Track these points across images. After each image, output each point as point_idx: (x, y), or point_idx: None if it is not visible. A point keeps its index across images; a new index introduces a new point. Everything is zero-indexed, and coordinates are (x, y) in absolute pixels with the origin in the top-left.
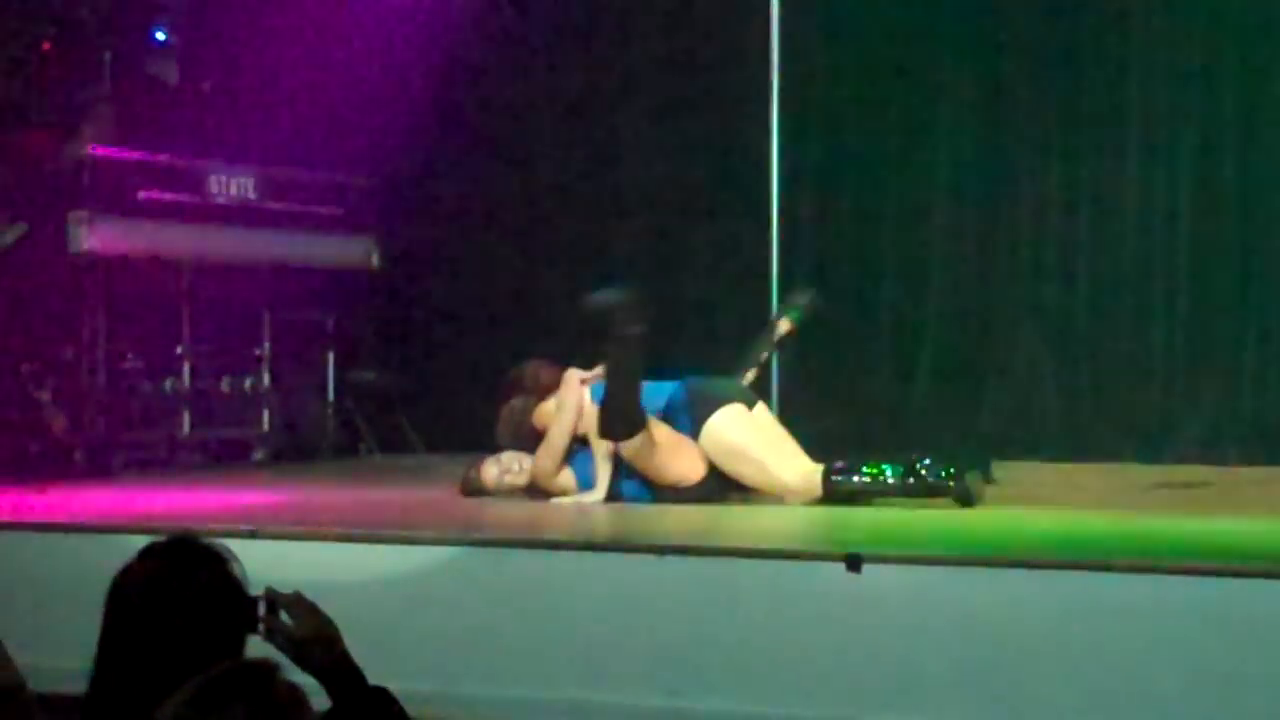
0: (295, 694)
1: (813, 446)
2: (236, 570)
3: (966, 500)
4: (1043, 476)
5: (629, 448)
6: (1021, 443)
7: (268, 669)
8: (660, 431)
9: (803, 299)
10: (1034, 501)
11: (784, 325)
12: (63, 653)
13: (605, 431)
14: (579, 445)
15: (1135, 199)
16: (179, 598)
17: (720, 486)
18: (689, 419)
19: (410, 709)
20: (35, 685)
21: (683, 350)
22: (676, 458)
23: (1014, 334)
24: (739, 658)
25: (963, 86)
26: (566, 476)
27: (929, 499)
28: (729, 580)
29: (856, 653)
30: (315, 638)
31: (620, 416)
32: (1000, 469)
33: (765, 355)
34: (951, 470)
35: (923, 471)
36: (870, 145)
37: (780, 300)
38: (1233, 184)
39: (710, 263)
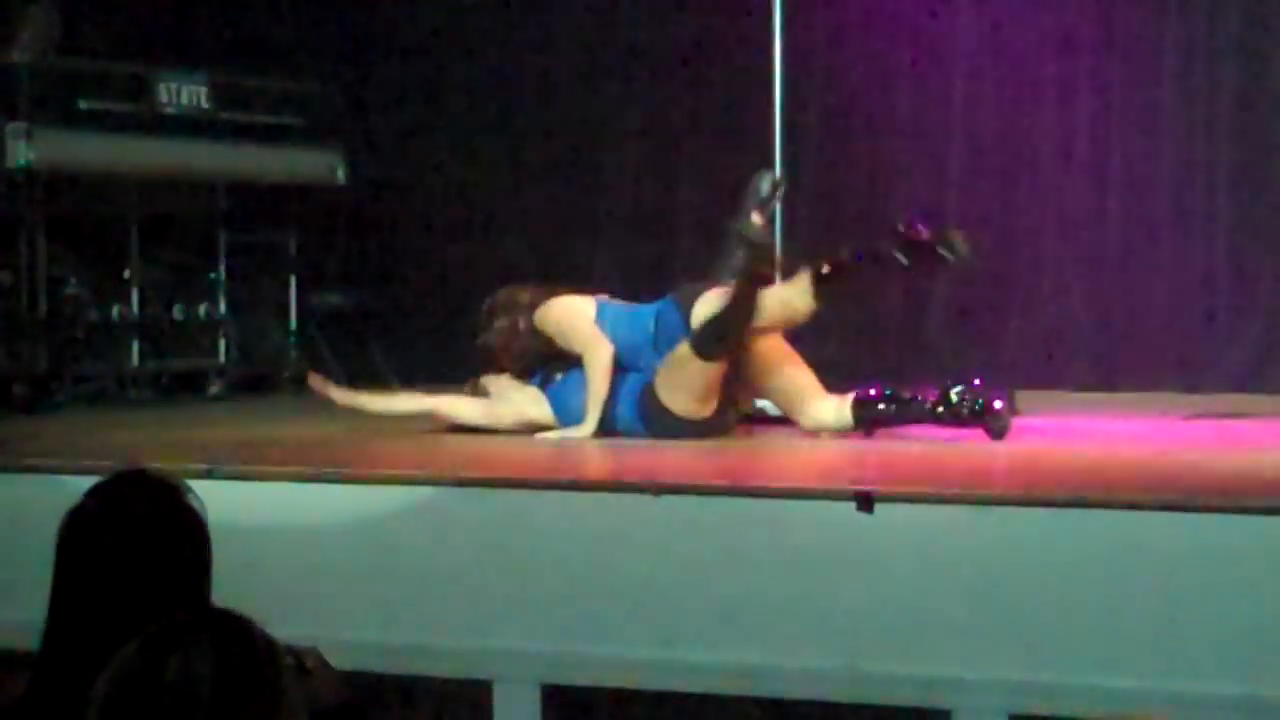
0: (271, 647)
1: (819, 377)
2: (193, 501)
3: (1000, 431)
4: (1071, 407)
5: (702, 369)
6: (1048, 371)
7: (239, 618)
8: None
9: (765, 186)
10: (1061, 435)
11: (755, 222)
12: (5, 604)
13: (699, 347)
14: (559, 374)
15: (1171, 113)
16: (134, 533)
17: (725, 422)
18: (680, 319)
19: (382, 662)
20: None
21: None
22: (706, 393)
23: (1039, 255)
24: (739, 605)
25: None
26: (542, 408)
27: (961, 427)
28: (729, 521)
29: (867, 599)
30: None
31: (721, 340)
32: (1025, 399)
33: (745, 261)
34: (982, 401)
35: (956, 399)
36: (882, 59)
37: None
38: (1277, 96)
39: (704, 185)
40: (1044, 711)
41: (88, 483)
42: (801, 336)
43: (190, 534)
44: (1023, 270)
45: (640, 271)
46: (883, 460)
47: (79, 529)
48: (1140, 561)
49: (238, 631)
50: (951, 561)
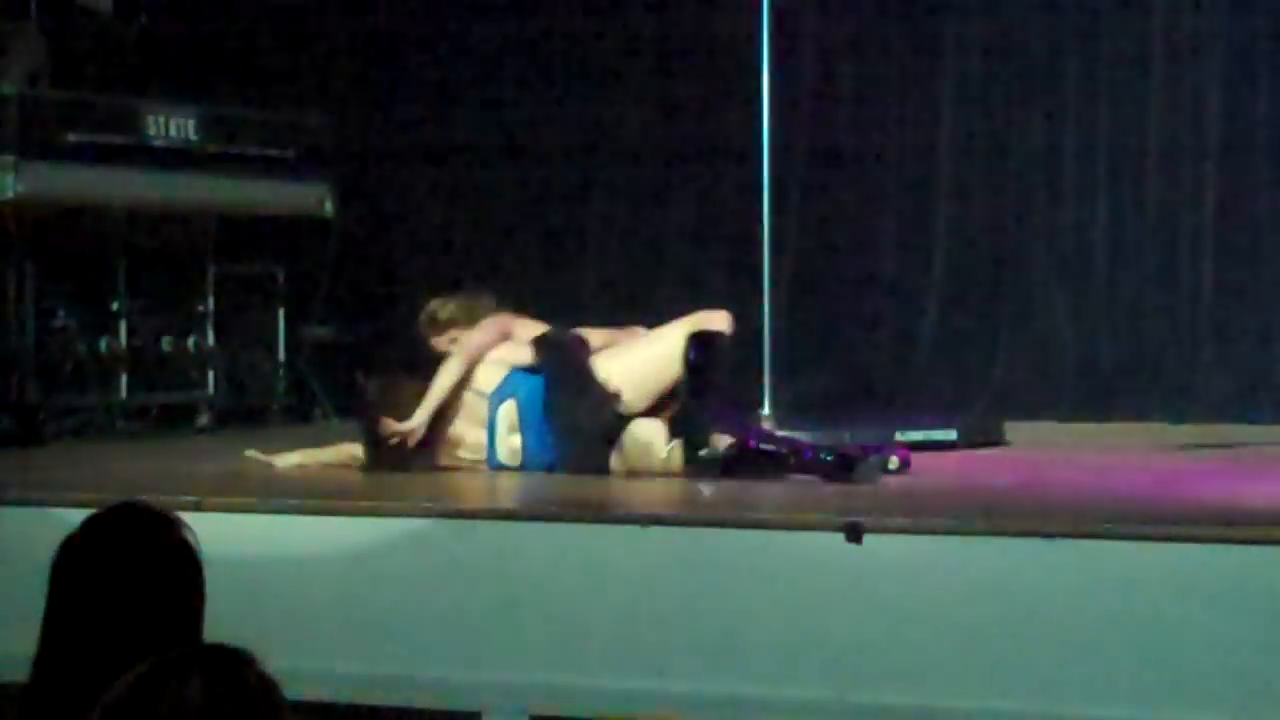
0: (266, 683)
1: (808, 407)
2: (188, 534)
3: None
4: (1060, 437)
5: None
6: (1037, 400)
7: (235, 652)
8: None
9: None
10: (1050, 465)
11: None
12: None
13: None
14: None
15: (1158, 139)
16: (129, 566)
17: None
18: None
19: (371, 694)
20: None
21: (667, 302)
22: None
23: (1028, 285)
24: (729, 636)
25: (969, 20)
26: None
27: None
28: (719, 553)
29: (857, 630)
30: None
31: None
32: (1014, 430)
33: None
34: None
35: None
36: (868, 82)
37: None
38: (1265, 120)
39: (695, 211)
40: None
41: (78, 515)
42: (792, 367)
43: (185, 567)
44: (1011, 300)
45: (625, 299)
46: (872, 492)
47: (73, 560)
48: (1132, 591)
49: (232, 668)
50: (942, 593)
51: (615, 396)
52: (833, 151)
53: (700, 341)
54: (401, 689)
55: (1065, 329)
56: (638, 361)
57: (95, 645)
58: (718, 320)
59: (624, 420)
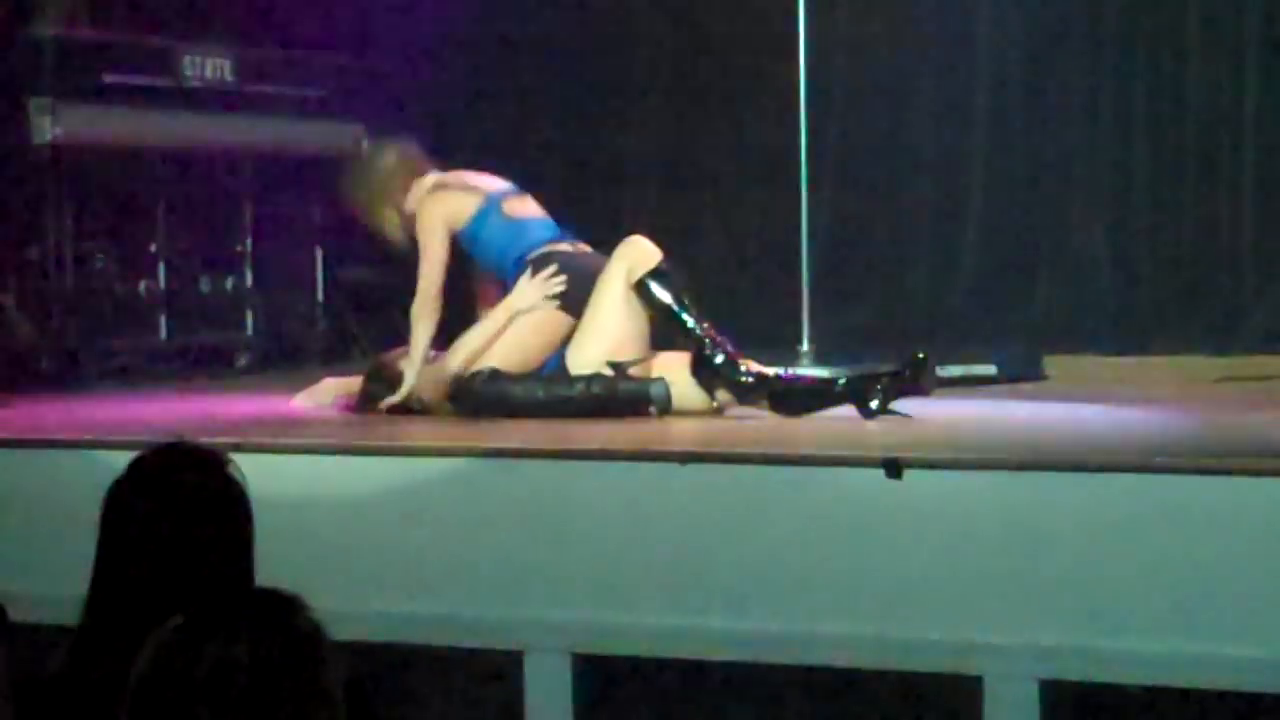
0: (315, 629)
1: (844, 343)
2: (236, 474)
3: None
4: (1100, 371)
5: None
6: (1076, 335)
7: (285, 597)
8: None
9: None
10: (1090, 399)
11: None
12: (38, 577)
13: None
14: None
15: (1197, 70)
16: (179, 504)
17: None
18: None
19: (412, 634)
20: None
21: (703, 248)
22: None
23: (1067, 217)
24: (768, 573)
25: None
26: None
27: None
28: (758, 489)
29: (896, 565)
30: None
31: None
32: (1054, 364)
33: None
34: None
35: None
36: (906, 20)
37: None
38: None
39: (733, 143)
40: (1075, 677)
41: (121, 456)
42: (830, 305)
43: (233, 504)
44: (1049, 233)
45: (663, 229)
46: (911, 426)
47: (123, 501)
48: (1171, 525)
49: (280, 615)
50: (981, 527)
51: (621, 367)
52: (871, 83)
53: (649, 284)
54: (443, 628)
55: (1105, 262)
56: (602, 330)
57: (147, 585)
58: (645, 255)
59: (626, 374)
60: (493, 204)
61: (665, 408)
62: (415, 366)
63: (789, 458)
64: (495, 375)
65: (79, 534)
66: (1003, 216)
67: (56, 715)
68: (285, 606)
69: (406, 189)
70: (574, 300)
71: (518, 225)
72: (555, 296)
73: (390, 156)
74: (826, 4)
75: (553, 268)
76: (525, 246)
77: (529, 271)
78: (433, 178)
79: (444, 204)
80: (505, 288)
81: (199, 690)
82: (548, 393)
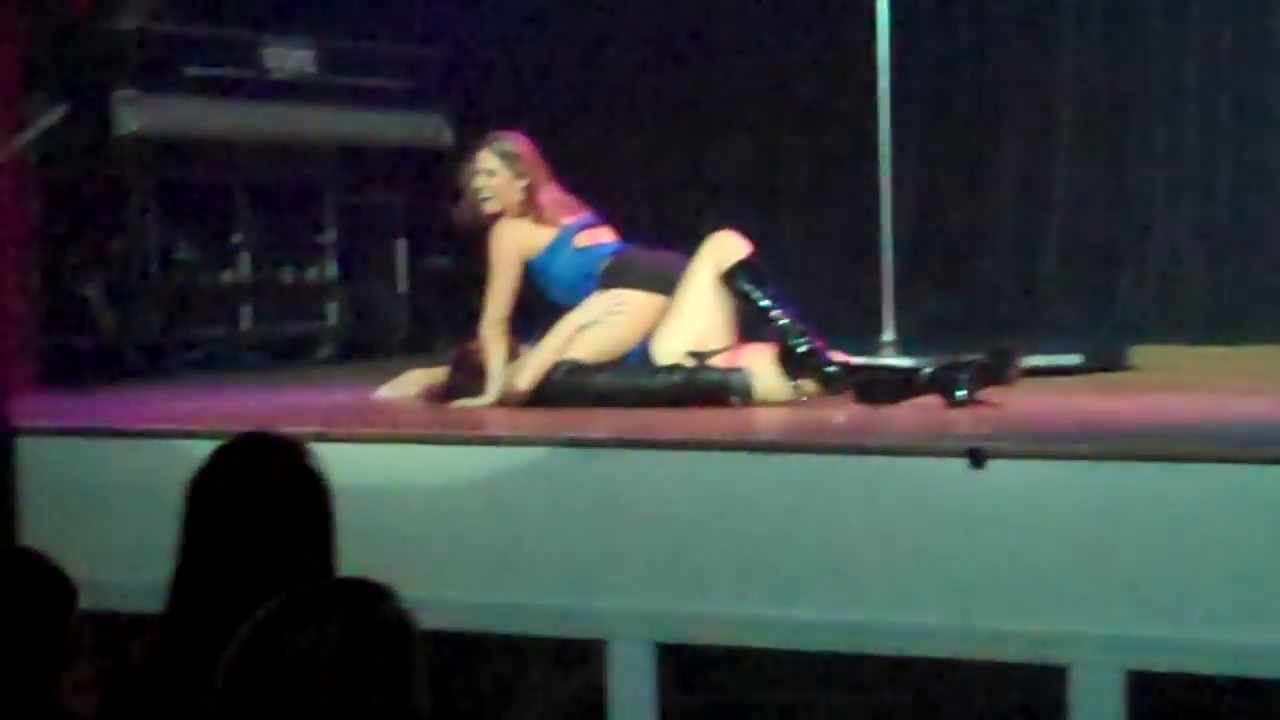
0: (404, 619)
1: (927, 333)
2: (318, 464)
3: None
4: (1187, 361)
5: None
6: (1163, 325)
7: (375, 587)
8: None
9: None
10: (1178, 389)
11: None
12: (124, 566)
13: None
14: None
15: None
16: (262, 494)
17: None
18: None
19: (494, 623)
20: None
21: (788, 239)
22: None
23: (1153, 206)
24: (852, 562)
25: None
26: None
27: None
28: (841, 479)
29: (981, 555)
30: None
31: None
32: (1140, 354)
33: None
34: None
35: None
36: (990, 15)
37: None
38: None
39: (815, 135)
40: (1161, 667)
41: (203, 447)
42: (913, 294)
43: (316, 495)
44: (1135, 223)
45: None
46: (995, 415)
47: (207, 490)
48: (1259, 516)
49: (369, 604)
50: (1066, 516)
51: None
52: (953, 74)
53: (736, 276)
54: (526, 617)
55: (1191, 251)
56: (688, 321)
57: (230, 573)
58: (733, 248)
59: (707, 364)
60: (565, 238)
61: (747, 398)
62: (496, 385)
63: (873, 448)
64: (577, 367)
65: (162, 524)
66: (1088, 205)
67: (142, 704)
68: (375, 596)
69: (500, 199)
70: (663, 281)
71: (587, 252)
72: (641, 282)
73: (504, 147)
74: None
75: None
76: (595, 266)
77: (600, 285)
78: (520, 194)
79: (518, 234)
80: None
81: (290, 678)
82: (629, 383)
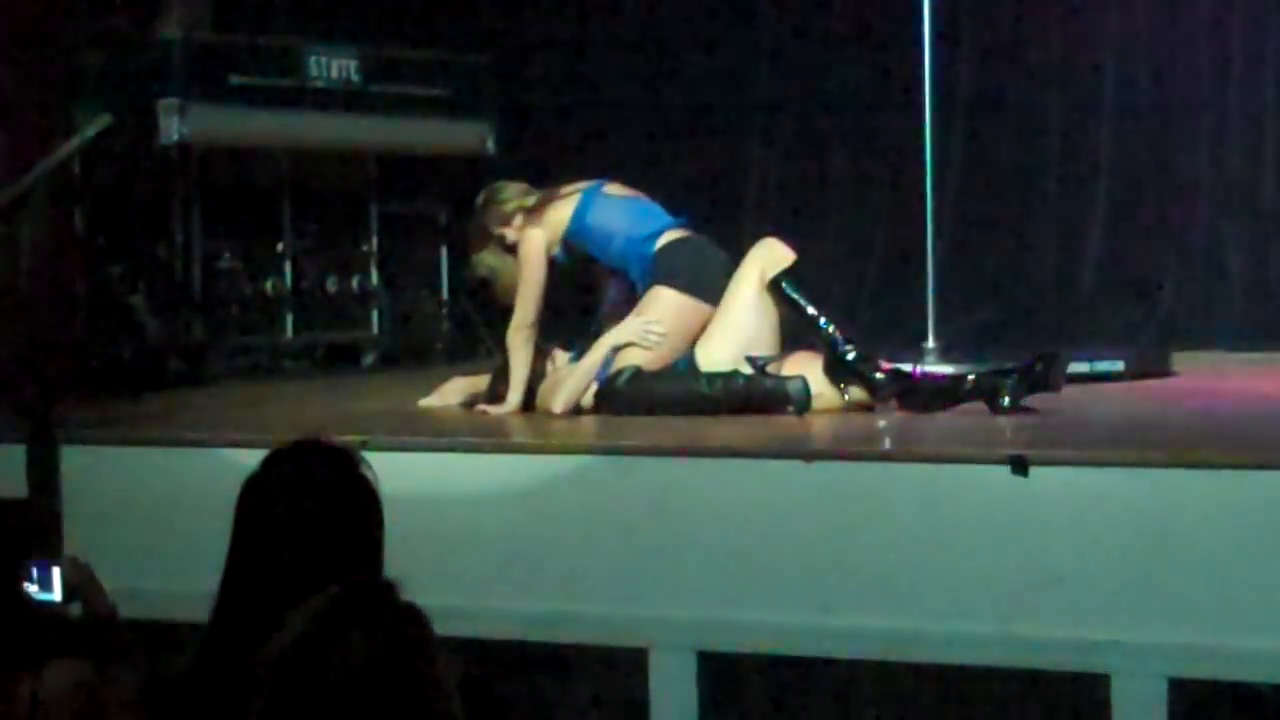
0: (416, 614)
1: (970, 340)
2: (367, 471)
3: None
4: (1229, 366)
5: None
6: (1204, 332)
7: (382, 588)
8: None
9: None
10: (1221, 395)
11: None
12: (169, 575)
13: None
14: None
15: None
16: (313, 500)
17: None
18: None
19: (538, 631)
20: (133, 612)
21: (830, 248)
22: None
23: (1194, 212)
24: (893, 571)
25: None
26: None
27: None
28: (883, 487)
29: (1022, 563)
30: None
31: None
32: (1182, 360)
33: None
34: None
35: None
36: (1032, 11)
37: None
38: None
39: (859, 142)
40: (1204, 676)
41: (248, 455)
42: (956, 301)
43: (365, 502)
44: (1177, 229)
45: (792, 232)
46: (1037, 423)
47: (257, 497)
48: None
49: (383, 598)
50: (1109, 524)
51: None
52: (995, 81)
53: (782, 284)
54: (569, 626)
55: (1233, 257)
56: (734, 329)
57: (278, 581)
58: (779, 256)
59: (765, 371)
60: (591, 192)
61: (805, 406)
62: (518, 394)
63: (917, 455)
64: (638, 374)
65: (208, 532)
66: (1130, 211)
67: (186, 712)
68: (383, 592)
69: (508, 224)
70: (711, 289)
71: (627, 203)
72: (693, 286)
73: (491, 197)
74: (952, 5)
75: (655, 320)
76: (649, 228)
77: (657, 264)
78: (526, 203)
79: (538, 225)
80: (633, 287)
81: (338, 679)
82: (690, 391)
